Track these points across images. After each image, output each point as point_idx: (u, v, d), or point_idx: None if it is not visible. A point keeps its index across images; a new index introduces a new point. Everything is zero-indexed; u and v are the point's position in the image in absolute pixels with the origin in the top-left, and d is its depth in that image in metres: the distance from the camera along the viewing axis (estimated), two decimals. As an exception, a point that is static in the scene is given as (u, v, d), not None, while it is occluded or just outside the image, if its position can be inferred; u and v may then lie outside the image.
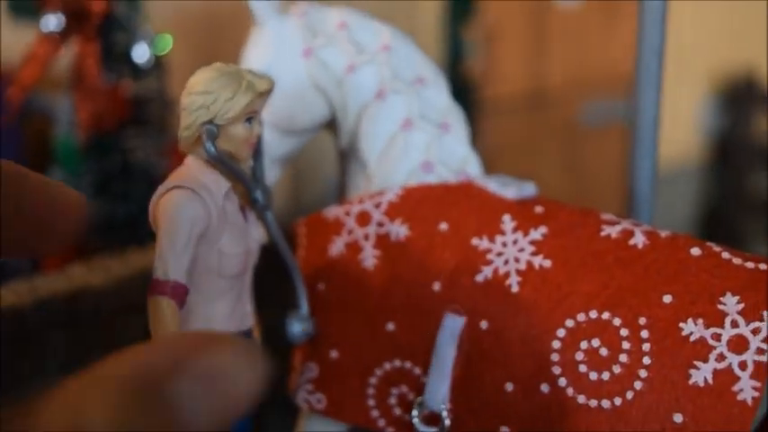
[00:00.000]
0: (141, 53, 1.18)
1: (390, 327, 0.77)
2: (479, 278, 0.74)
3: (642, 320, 0.68)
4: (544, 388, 0.70)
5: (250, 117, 0.68)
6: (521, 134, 1.71)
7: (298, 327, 0.77)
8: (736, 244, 2.28)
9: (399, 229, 0.78)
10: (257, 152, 0.72)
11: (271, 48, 0.83)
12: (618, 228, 0.74)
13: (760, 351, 0.65)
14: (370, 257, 0.78)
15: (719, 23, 2.40)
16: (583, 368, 0.69)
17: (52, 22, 1.14)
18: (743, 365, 0.64)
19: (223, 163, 0.67)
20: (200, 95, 0.66)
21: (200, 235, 0.65)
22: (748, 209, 2.53)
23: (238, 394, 0.43)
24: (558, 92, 1.82)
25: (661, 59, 0.93)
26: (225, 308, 0.69)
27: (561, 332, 0.70)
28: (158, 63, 1.21)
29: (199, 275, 0.67)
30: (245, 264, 0.70)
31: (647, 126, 0.95)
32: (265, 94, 0.68)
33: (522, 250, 0.74)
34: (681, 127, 2.39)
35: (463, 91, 1.54)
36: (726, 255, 0.71)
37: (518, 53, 1.73)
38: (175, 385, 0.42)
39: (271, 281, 0.78)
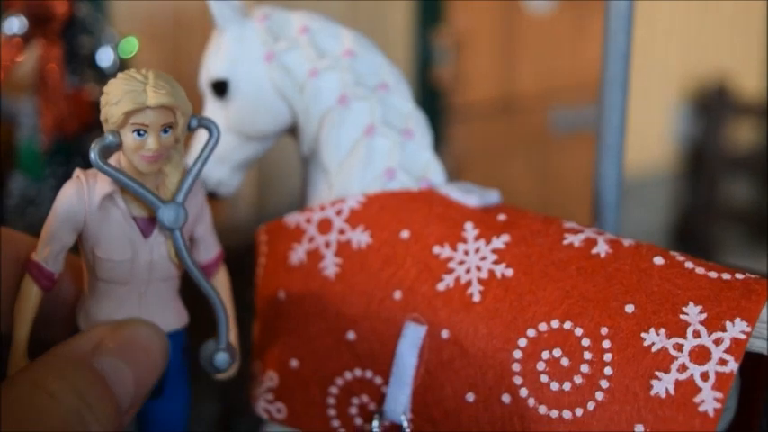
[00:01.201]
0: (105, 57, 1.17)
1: (351, 336, 0.76)
2: (440, 287, 0.73)
3: (604, 330, 0.67)
4: (505, 398, 0.69)
5: (140, 129, 0.64)
6: (491, 140, 1.70)
7: (221, 358, 0.70)
8: (707, 251, 2.28)
9: (361, 237, 0.77)
10: (192, 167, 0.68)
11: (231, 52, 0.81)
12: (581, 236, 0.73)
13: (722, 362, 0.64)
14: (331, 265, 0.77)
15: (691, 32, 2.41)
16: (544, 378, 0.68)
17: (15, 24, 1.12)
18: (705, 376, 0.64)
19: (102, 171, 0.64)
20: (102, 98, 0.65)
21: (75, 227, 0.65)
22: (720, 217, 2.54)
23: (152, 360, 0.62)
24: (527, 98, 1.82)
25: (627, 67, 0.92)
26: (107, 311, 0.67)
27: (522, 342, 0.69)
28: (123, 66, 1.19)
29: (86, 270, 0.68)
30: (129, 273, 0.67)
31: (613, 134, 0.94)
32: (161, 109, 0.64)
33: (483, 258, 0.73)
34: (652, 134, 2.39)
35: (433, 97, 1.53)
36: (689, 264, 0.70)
37: (488, 60, 1.73)
38: (98, 359, 0.59)
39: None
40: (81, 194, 0.65)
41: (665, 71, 2.33)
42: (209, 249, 0.73)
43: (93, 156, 0.63)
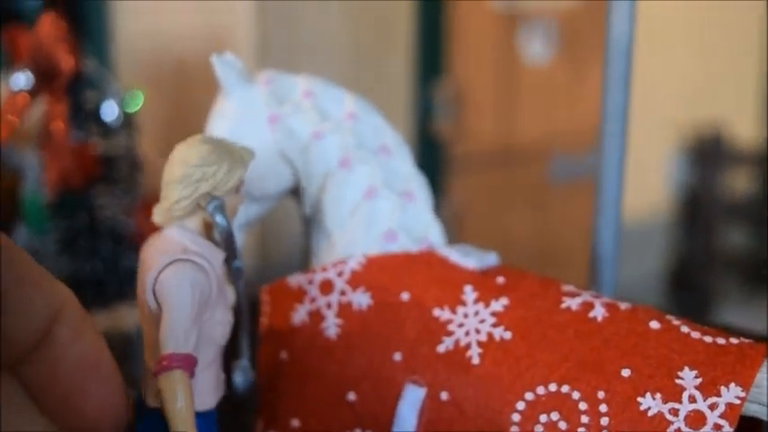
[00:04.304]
0: (110, 111, 1.18)
1: (351, 397, 0.77)
2: (440, 349, 0.74)
3: (601, 394, 0.68)
4: (504, 461, 0.70)
5: (238, 187, 0.70)
6: (490, 190, 1.72)
7: (240, 377, 0.78)
8: (703, 298, 2.28)
9: (361, 299, 0.78)
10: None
11: (236, 115, 0.83)
12: (578, 300, 0.74)
13: (717, 427, 0.65)
14: (332, 326, 0.78)
15: (688, 81, 2.44)
16: (542, 441, 0.69)
17: (21, 80, 1.14)
18: (700, 441, 0.65)
19: (231, 235, 0.68)
20: (199, 168, 0.67)
21: (207, 306, 0.66)
22: (716, 264, 2.55)
23: None
24: (527, 148, 1.84)
25: (625, 122, 0.94)
26: (213, 377, 0.69)
27: (521, 405, 0.70)
28: (128, 121, 1.21)
29: (198, 346, 0.66)
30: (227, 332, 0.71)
31: (611, 187, 0.95)
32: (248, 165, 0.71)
33: (482, 321, 0.74)
34: (649, 182, 2.41)
35: (433, 149, 1.55)
36: (684, 328, 0.71)
37: (487, 111, 1.75)
38: None
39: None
40: (205, 272, 0.65)
41: (661, 119, 2.35)
42: None
43: (226, 222, 0.68)
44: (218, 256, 0.68)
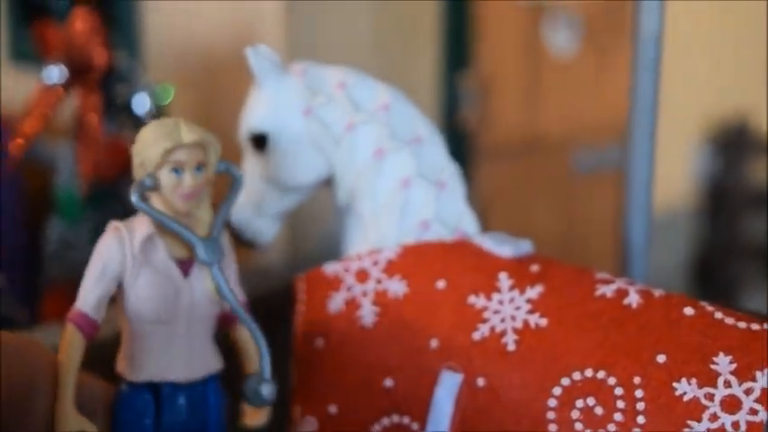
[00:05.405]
0: (142, 104, 1.19)
1: (388, 383, 0.77)
2: (476, 336, 0.75)
3: (636, 380, 0.69)
4: (540, 445, 0.71)
5: (177, 168, 0.69)
6: (515, 180, 1.72)
7: (267, 389, 0.73)
8: (727, 288, 2.26)
9: (397, 287, 0.79)
10: (221, 209, 0.73)
11: (270, 106, 0.84)
12: (612, 287, 0.75)
13: (753, 411, 0.65)
14: (368, 314, 0.79)
15: (712, 71, 2.43)
16: (578, 426, 0.70)
17: (55, 73, 1.15)
18: (736, 426, 0.65)
19: (145, 212, 0.70)
20: (137, 146, 0.71)
21: (116, 275, 0.69)
22: (740, 254, 2.54)
23: None
24: (551, 139, 1.84)
25: (654, 111, 0.94)
26: (156, 352, 0.71)
27: (557, 390, 0.71)
28: (160, 113, 1.22)
29: (128, 315, 0.71)
30: (168, 312, 0.71)
31: (641, 178, 0.96)
32: (194, 147, 0.69)
33: (518, 308, 0.75)
34: (673, 172, 2.40)
35: (459, 139, 1.55)
36: (718, 314, 0.72)
37: (513, 102, 1.75)
38: None
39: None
40: (122, 241, 0.69)
41: (685, 109, 2.35)
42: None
43: (135, 197, 0.69)
44: (144, 230, 0.70)
